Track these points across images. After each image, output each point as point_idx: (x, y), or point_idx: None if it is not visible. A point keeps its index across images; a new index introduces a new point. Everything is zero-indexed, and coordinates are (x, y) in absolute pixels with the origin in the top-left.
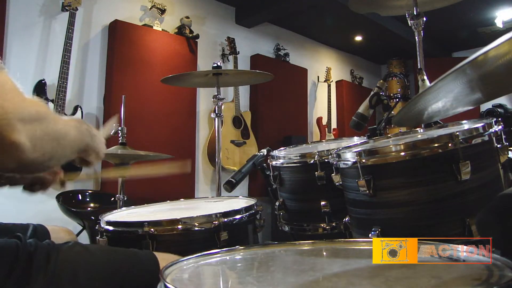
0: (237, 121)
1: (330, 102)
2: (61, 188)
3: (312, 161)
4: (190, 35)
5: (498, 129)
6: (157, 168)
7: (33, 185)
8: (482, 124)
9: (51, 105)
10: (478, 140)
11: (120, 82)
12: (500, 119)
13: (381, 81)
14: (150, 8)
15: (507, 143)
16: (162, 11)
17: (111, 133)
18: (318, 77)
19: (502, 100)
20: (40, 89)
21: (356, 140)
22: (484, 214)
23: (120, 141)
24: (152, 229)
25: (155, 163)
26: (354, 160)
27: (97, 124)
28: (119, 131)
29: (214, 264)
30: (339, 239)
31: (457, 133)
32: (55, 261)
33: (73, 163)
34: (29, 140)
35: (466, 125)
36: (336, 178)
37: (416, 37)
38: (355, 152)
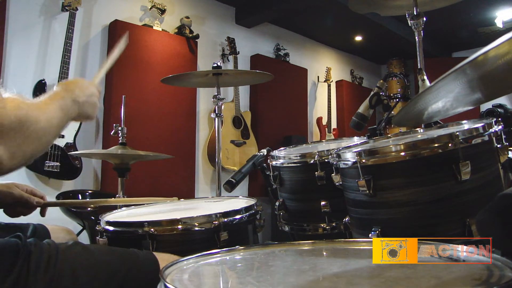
0: (237, 121)
1: (330, 102)
2: (42, 213)
3: (312, 161)
4: (190, 35)
5: (498, 129)
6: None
7: (13, 208)
8: (482, 124)
9: None
10: (478, 140)
11: (120, 82)
12: (500, 119)
13: (381, 81)
14: (150, 8)
15: (507, 143)
16: (162, 11)
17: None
18: (318, 77)
19: (502, 100)
20: (40, 89)
21: (356, 140)
22: (484, 214)
23: (120, 141)
24: (152, 229)
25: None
26: (354, 160)
27: (97, 124)
28: (119, 131)
29: (214, 264)
30: (339, 239)
31: (457, 133)
32: (55, 261)
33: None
34: (7, 150)
35: (466, 125)
36: (336, 178)
37: (416, 37)
38: (355, 152)
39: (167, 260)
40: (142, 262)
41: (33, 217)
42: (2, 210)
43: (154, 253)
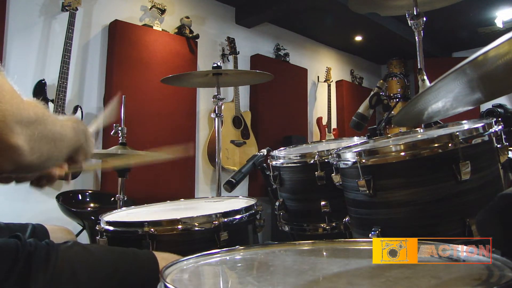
0: (237, 121)
1: (330, 102)
2: (67, 181)
3: (312, 161)
4: (190, 35)
5: (498, 129)
6: (159, 154)
7: (40, 180)
8: (482, 124)
9: (51, 105)
10: (478, 140)
11: (120, 82)
12: (500, 119)
13: (381, 81)
14: (150, 8)
15: (507, 143)
16: (162, 11)
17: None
18: (318, 77)
19: (502, 100)
20: (40, 89)
21: (356, 140)
22: (484, 214)
23: (120, 141)
24: (152, 229)
25: (156, 149)
26: (354, 160)
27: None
28: (119, 131)
29: (214, 264)
30: (339, 239)
31: (457, 133)
32: (55, 261)
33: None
34: (27, 142)
35: (466, 125)
36: (336, 178)
37: (416, 37)
38: (355, 152)
39: (167, 259)
40: (141, 262)
41: (33, 217)
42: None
43: (154, 252)
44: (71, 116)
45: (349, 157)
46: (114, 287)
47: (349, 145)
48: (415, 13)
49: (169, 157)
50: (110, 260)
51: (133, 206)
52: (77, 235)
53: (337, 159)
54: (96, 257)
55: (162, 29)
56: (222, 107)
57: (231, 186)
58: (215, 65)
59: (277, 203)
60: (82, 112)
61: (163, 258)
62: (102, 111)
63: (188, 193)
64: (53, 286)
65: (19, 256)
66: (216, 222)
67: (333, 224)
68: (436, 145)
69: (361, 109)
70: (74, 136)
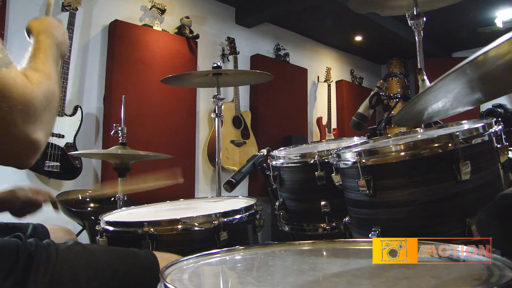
0: (237, 121)
1: (330, 102)
2: (55, 209)
3: (312, 161)
4: (190, 35)
5: (498, 129)
6: (151, 182)
7: (23, 210)
8: (482, 124)
9: None
10: (478, 140)
11: (120, 82)
12: (500, 119)
13: (381, 81)
14: (150, 8)
15: (507, 143)
16: (162, 11)
17: None
18: (318, 77)
19: (502, 100)
20: None
21: (356, 140)
22: (484, 214)
23: (120, 141)
24: (152, 229)
25: (148, 178)
26: (354, 160)
27: (97, 124)
28: (119, 131)
29: (214, 264)
30: (339, 239)
31: (457, 133)
32: (55, 261)
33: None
34: (43, 132)
35: (466, 125)
36: (336, 178)
37: (416, 37)
38: (355, 152)
39: (167, 259)
40: (141, 261)
41: (33, 217)
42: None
43: (154, 252)
44: (41, 35)
45: (349, 157)
46: (114, 287)
47: (349, 145)
48: (415, 13)
49: (160, 185)
50: (110, 260)
51: (133, 206)
52: (77, 235)
53: (337, 159)
54: (96, 257)
55: (162, 29)
56: (222, 107)
57: (231, 186)
58: (215, 65)
59: (277, 203)
60: (82, 112)
61: (163, 258)
62: None
63: (188, 193)
64: (53, 286)
65: (20, 256)
66: (216, 222)
67: (333, 224)
68: (436, 145)
69: (361, 109)
70: (57, 65)
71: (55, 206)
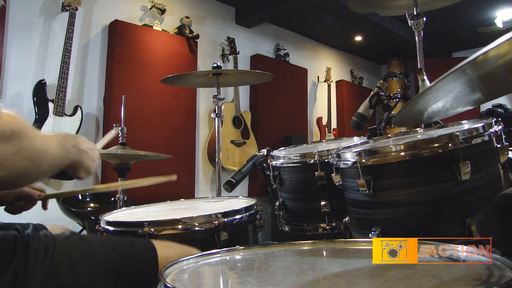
0: (237, 121)
1: (330, 102)
2: (44, 206)
3: (312, 161)
4: (190, 35)
5: (498, 129)
6: (144, 180)
7: (14, 204)
8: (482, 124)
9: (51, 105)
10: (478, 140)
11: (120, 82)
12: (500, 119)
13: (381, 81)
14: (150, 8)
15: (507, 143)
16: (162, 11)
17: (110, 141)
18: (318, 77)
19: (502, 100)
20: (40, 89)
21: (356, 140)
22: (484, 214)
23: (120, 141)
24: (152, 229)
25: (142, 178)
26: (354, 160)
27: (97, 124)
28: (119, 131)
29: (214, 264)
30: (339, 239)
31: (457, 133)
32: (53, 252)
33: (64, 172)
34: None
35: (466, 125)
36: (336, 178)
37: (416, 37)
38: (355, 152)
39: (166, 247)
40: (140, 250)
41: (33, 217)
42: (2, 210)
43: (152, 240)
44: (60, 132)
45: (349, 157)
46: (112, 275)
47: (349, 145)
48: (415, 13)
49: (154, 183)
50: (108, 249)
51: (133, 206)
52: None
53: (337, 159)
54: (94, 247)
55: (162, 29)
56: (222, 107)
57: (231, 186)
58: (215, 65)
59: (277, 203)
60: (82, 112)
61: (161, 245)
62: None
63: (188, 193)
64: (51, 276)
65: (18, 248)
66: (216, 222)
67: (333, 224)
68: (436, 145)
69: (361, 109)
70: (61, 152)
71: (44, 205)
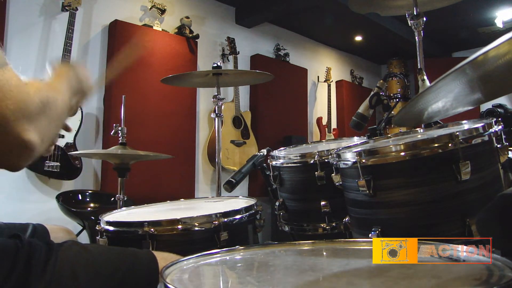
0: (237, 121)
1: (330, 102)
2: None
3: (312, 161)
4: (190, 35)
5: (498, 129)
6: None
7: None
8: (482, 124)
9: None
10: (478, 140)
11: (120, 82)
12: (500, 119)
13: (381, 81)
14: (150, 8)
15: (507, 143)
16: (162, 11)
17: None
18: (318, 77)
19: (502, 100)
20: None
21: (356, 140)
22: (484, 214)
23: (120, 141)
24: (152, 229)
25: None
26: (354, 160)
27: (97, 124)
28: (119, 131)
29: (214, 264)
30: (339, 239)
31: (457, 133)
32: (55, 261)
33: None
34: (38, 135)
35: (466, 125)
36: (336, 178)
37: (416, 37)
38: (355, 152)
39: (166, 258)
40: (141, 261)
41: (33, 217)
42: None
43: (154, 252)
44: (62, 66)
45: (349, 157)
46: (113, 286)
47: (349, 145)
48: (415, 13)
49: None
50: (110, 260)
51: (133, 206)
52: (77, 235)
53: (337, 159)
54: (96, 257)
55: (162, 29)
56: (222, 107)
57: (231, 186)
58: (215, 65)
59: (277, 203)
60: (82, 112)
61: (162, 258)
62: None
63: (188, 193)
64: (53, 286)
65: (19, 256)
66: (216, 222)
67: (333, 224)
68: (436, 145)
69: (361, 109)
70: (71, 94)
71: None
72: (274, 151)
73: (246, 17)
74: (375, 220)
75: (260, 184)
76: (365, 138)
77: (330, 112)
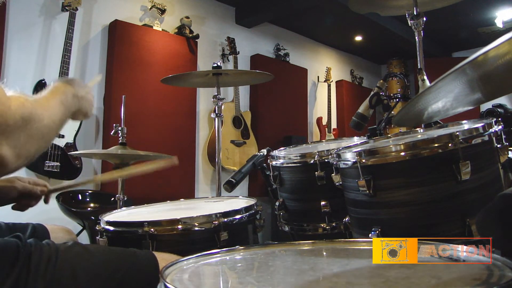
0: (237, 121)
1: (330, 102)
2: (46, 200)
3: (312, 161)
4: (190, 35)
5: (498, 129)
6: (147, 166)
7: (19, 202)
8: (482, 124)
9: None
10: (478, 140)
11: (120, 82)
12: (500, 119)
13: (381, 81)
14: (150, 8)
15: (507, 143)
16: (162, 11)
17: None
18: (318, 77)
19: (502, 100)
20: (40, 89)
21: (356, 140)
22: (484, 214)
23: (120, 141)
24: (152, 229)
25: (143, 163)
26: (354, 160)
27: (97, 124)
28: (119, 131)
29: (214, 264)
30: (339, 239)
31: (457, 133)
32: (55, 262)
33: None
34: (12, 150)
35: (466, 125)
36: (336, 178)
37: (416, 37)
38: (355, 152)
39: (166, 259)
40: (141, 262)
41: (33, 217)
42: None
43: (154, 252)
44: (58, 83)
45: (349, 157)
46: (113, 287)
47: (349, 145)
48: (415, 13)
49: (156, 168)
50: (110, 260)
51: (133, 206)
52: (77, 235)
53: (337, 159)
54: (96, 257)
55: (162, 29)
56: (222, 107)
57: (231, 186)
58: (215, 65)
59: (277, 203)
60: None
61: (163, 258)
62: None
63: (188, 193)
64: (53, 286)
65: (20, 257)
66: (216, 222)
67: (333, 224)
68: (436, 145)
69: (361, 109)
70: (65, 111)
71: (46, 200)
72: (274, 151)
73: (246, 17)
74: (375, 220)
75: (260, 184)
76: (365, 138)
77: (330, 112)
